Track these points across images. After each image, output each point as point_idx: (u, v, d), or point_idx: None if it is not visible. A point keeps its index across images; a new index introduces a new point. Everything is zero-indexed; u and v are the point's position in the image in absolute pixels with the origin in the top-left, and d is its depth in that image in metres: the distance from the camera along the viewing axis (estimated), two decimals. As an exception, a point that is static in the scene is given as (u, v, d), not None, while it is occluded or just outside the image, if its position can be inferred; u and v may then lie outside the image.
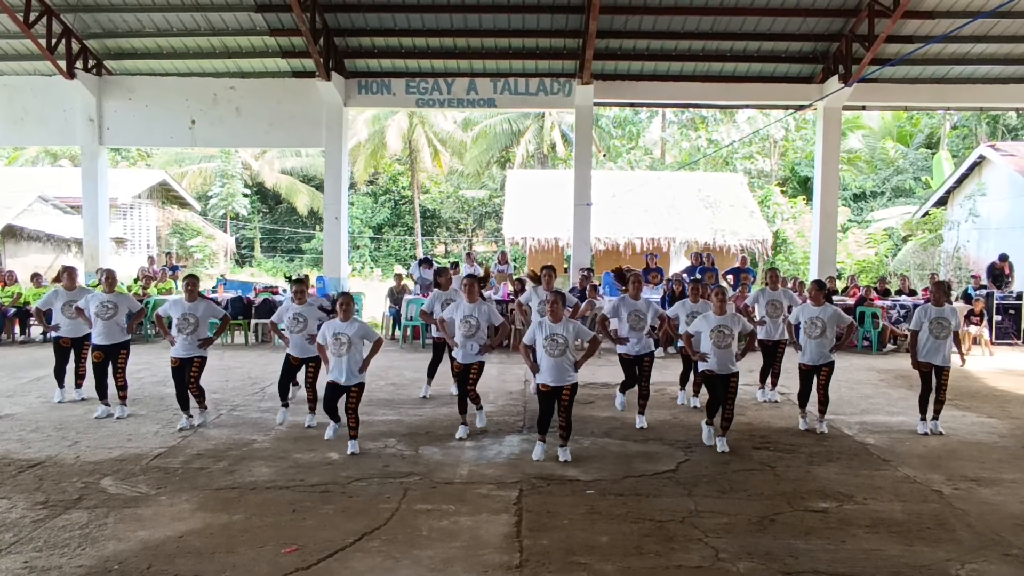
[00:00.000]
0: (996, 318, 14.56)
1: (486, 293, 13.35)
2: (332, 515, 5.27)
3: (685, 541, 4.90)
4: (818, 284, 7.85)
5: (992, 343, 13.82)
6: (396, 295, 14.41)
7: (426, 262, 15.40)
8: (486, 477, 6.14)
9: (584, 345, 6.86)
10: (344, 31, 15.01)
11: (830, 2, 14.20)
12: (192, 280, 7.74)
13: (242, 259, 34.46)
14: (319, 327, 7.14)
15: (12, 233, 21.73)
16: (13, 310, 13.54)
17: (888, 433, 7.69)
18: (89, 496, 5.58)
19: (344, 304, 6.85)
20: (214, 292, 14.68)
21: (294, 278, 8.42)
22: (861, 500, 5.70)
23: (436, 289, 8.88)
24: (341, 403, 6.85)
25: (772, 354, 9.04)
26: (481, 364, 7.36)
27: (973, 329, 13.67)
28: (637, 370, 7.79)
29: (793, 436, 7.55)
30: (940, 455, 6.95)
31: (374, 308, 16.64)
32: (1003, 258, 15.88)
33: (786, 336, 8.73)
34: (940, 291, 7.74)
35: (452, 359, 8.01)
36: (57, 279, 8.85)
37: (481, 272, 14.74)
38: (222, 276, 22.25)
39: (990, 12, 12.97)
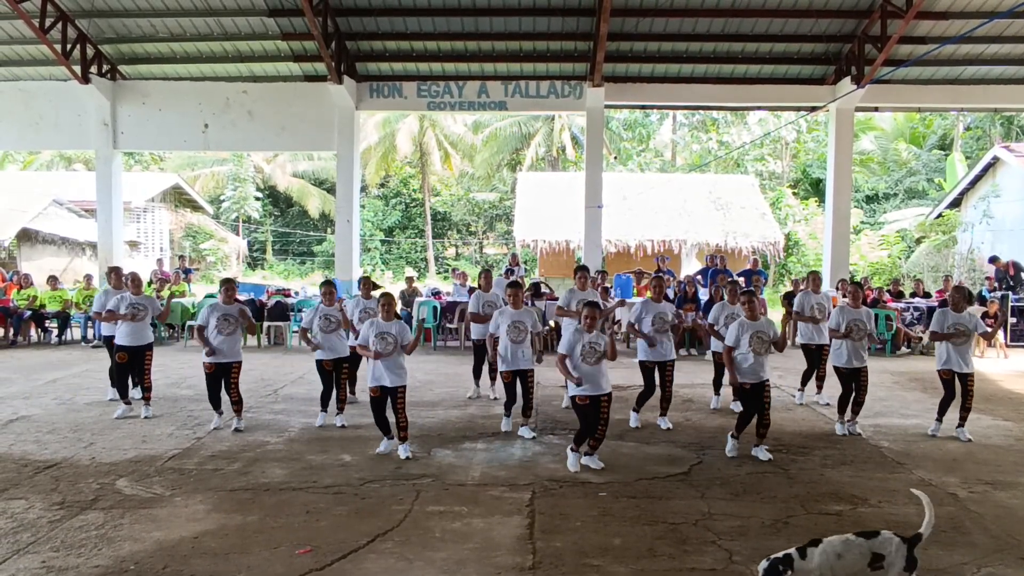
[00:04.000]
0: (1011, 320, 14.43)
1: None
2: (345, 517, 5.29)
3: (698, 544, 4.88)
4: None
5: (1007, 345, 13.72)
6: (408, 298, 14.44)
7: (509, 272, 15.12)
8: (498, 479, 6.14)
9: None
10: (355, 35, 15.08)
11: (842, 3, 14.14)
12: (230, 284, 7.79)
13: (254, 262, 34.64)
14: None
15: (27, 236, 21.94)
16: (29, 312, 13.66)
17: (902, 436, 7.64)
18: (105, 497, 5.63)
19: (385, 304, 6.70)
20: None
21: (325, 279, 8.40)
22: (875, 503, 5.67)
23: (478, 291, 9.02)
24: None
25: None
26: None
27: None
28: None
29: (806, 439, 7.51)
30: (955, 458, 6.90)
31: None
32: (993, 259, 15.82)
33: None
34: (960, 296, 7.58)
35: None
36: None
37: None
38: (234, 279, 22.35)
39: (1005, 13, 12.86)
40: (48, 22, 14.09)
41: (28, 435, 7.37)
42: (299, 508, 5.44)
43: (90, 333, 13.74)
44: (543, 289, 14.28)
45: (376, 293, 7.69)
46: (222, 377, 7.54)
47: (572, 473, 6.27)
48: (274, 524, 5.15)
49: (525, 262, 24.36)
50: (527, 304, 8.18)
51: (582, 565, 4.56)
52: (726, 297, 8.52)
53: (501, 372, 7.61)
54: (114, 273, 9.04)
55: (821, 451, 7.06)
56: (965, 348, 7.46)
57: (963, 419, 7.56)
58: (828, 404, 8.78)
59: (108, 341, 8.75)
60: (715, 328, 8.28)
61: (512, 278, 14.50)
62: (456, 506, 5.51)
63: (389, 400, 6.63)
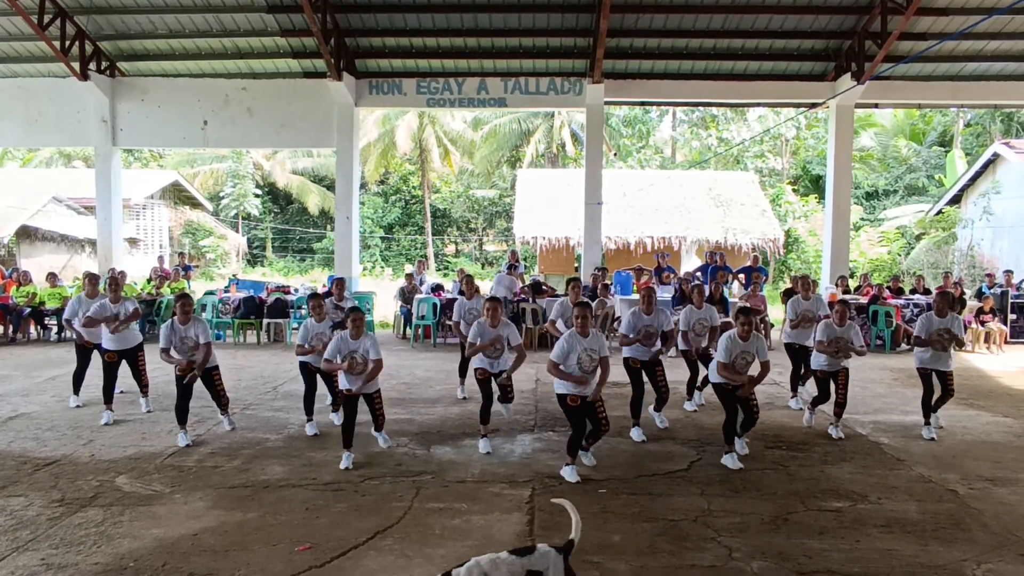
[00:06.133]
0: (1011, 317, 14.42)
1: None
2: (345, 513, 5.29)
3: (698, 540, 4.88)
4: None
5: (1007, 342, 13.72)
6: (407, 295, 14.43)
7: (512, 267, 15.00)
8: (498, 476, 6.14)
9: None
10: (355, 31, 15.05)
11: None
12: (186, 301, 7.20)
13: (254, 259, 34.63)
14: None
15: (27, 234, 21.92)
16: (28, 310, 13.65)
17: (902, 432, 7.64)
18: (104, 494, 5.63)
19: (356, 321, 6.50)
20: (226, 291, 14.74)
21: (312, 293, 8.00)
22: (875, 500, 5.67)
23: (461, 298, 8.90)
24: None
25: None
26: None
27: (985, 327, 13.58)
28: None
29: (806, 435, 7.52)
30: (955, 454, 6.90)
31: (385, 308, 16.68)
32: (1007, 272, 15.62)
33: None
34: (943, 301, 7.66)
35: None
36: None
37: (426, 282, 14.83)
38: (234, 276, 22.37)
39: (1006, 8, 12.84)
40: (47, 19, 14.04)
41: (27, 432, 7.37)
42: (298, 505, 5.45)
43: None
44: (543, 288, 14.27)
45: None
46: (197, 382, 7.02)
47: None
48: (273, 521, 5.15)
49: (525, 259, 24.35)
50: (523, 302, 8.11)
51: (582, 562, 4.54)
52: (694, 301, 8.21)
53: (475, 369, 7.13)
54: (89, 280, 8.65)
55: (821, 448, 7.07)
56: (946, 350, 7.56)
57: (937, 408, 7.66)
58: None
59: (78, 345, 8.52)
60: (686, 333, 8.03)
61: (515, 272, 14.59)
62: (456, 503, 5.51)
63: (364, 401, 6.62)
